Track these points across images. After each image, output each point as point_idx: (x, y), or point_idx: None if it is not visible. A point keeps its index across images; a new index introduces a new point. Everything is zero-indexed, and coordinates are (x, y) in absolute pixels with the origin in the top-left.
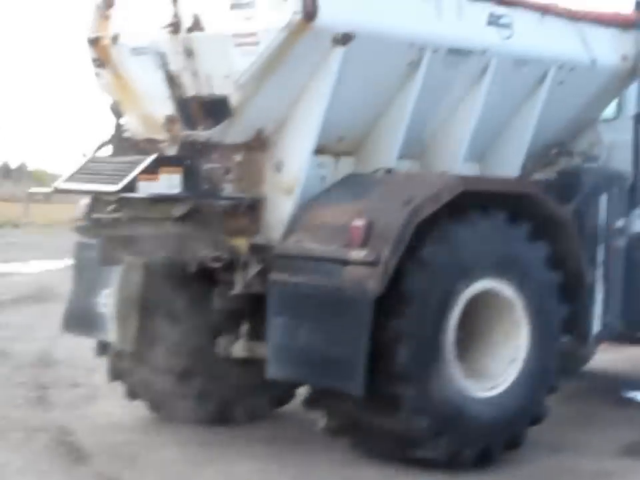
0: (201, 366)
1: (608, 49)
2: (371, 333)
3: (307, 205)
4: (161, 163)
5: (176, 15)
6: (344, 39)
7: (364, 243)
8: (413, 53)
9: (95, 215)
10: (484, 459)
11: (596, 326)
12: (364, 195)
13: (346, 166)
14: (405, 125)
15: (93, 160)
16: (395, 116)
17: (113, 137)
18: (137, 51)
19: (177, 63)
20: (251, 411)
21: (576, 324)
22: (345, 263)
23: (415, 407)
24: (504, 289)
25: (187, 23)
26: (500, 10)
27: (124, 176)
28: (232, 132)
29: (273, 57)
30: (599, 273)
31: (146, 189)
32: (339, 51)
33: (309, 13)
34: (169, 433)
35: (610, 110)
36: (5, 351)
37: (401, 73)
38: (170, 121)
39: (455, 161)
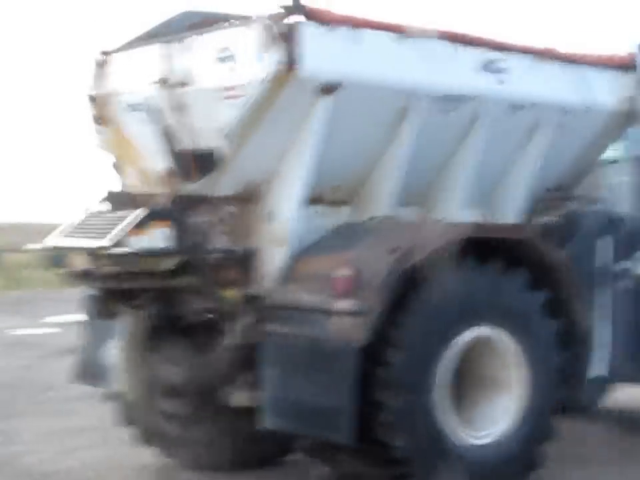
0: (208, 413)
1: (606, 91)
2: (360, 382)
3: (299, 255)
4: (151, 218)
5: (168, 70)
6: (329, 88)
7: (348, 293)
8: (401, 99)
9: (86, 268)
10: None
11: (600, 370)
12: (352, 243)
13: (344, 215)
14: (398, 171)
15: (88, 215)
16: (388, 163)
17: (111, 192)
18: (133, 107)
19: (170, 118)
20: (262, 457)
21: (571, 370)
22: (331, 313)
23: (406, 457)
24: (500, 336)
25: (178, 77)
26: (494, 55)
27: (114, 231)
28: (222, 184)
29: (258, 108)
30: (602, 316)
31: (136, 243)
32: (325, 100)
33: (292, 63)
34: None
35: (616, 152)
36: None
37: (390, 120)
38: (167, 175)
39: (455, 206)
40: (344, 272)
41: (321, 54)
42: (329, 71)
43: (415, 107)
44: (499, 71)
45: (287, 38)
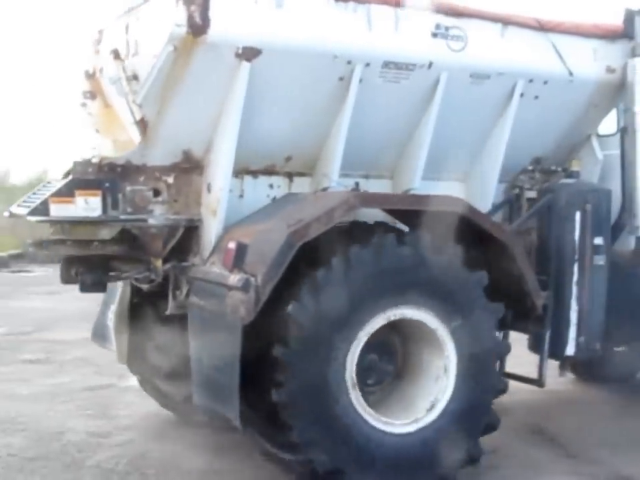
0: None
1: (589, 61)
2: (252, 360)
3: (229, 227)
4: (76, 186)
5: (124, 42)
6: (247, 53)
7: (235, 267)
8: (341, 67)
9: (38, 238)
10: None
11: (571, 349)
12: (271, 216)
13: (300, 186)
14: (343, 142)
15: (41, 185)
16: (336, 135)
17: (76, 162)
18: (112, 80)
19: (127, 88)
20: None
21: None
22: (229, 287)
23: (305, 441)
24: (426, 318)
25: (130, 48)
26: (449, 21)
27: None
28: (155, 153)
29: (168, 74)
30: (573, 293)
31: (60, 211)
32: (246, 67)
33: (196, 26)
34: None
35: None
36: None
37: (333, 88)
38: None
39: (414, 179)
40: (231, 245)
41: (235, 18)
42: (246, 35)
43: (357, 76)
44: (453, 38)
45: (193, 1)
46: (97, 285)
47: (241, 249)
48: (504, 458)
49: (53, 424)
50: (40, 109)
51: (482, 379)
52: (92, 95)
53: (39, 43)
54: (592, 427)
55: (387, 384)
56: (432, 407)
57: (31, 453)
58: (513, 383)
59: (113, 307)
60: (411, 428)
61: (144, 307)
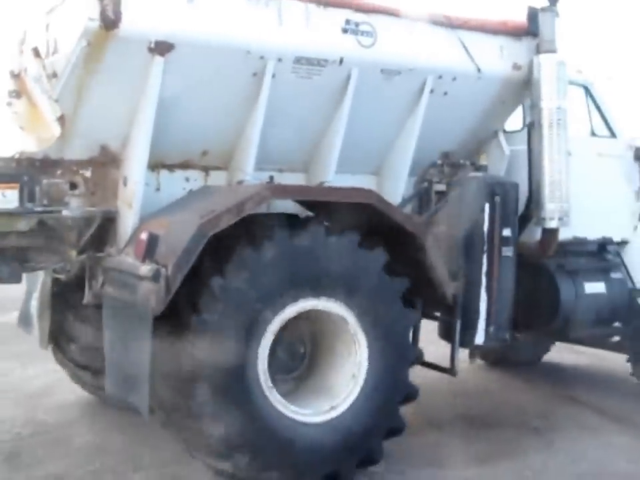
0: None
1: (496, 58)
2: (163, 351)
3: (144, 219)
4: None
5: (43, 40)
6: (160, 48)
7: (146, 258)
8: (254, 62)
9: None
10: None
11: (480, 337)
12: (185, 208)
13: (217, 180)
14: (258, 136)
15: None
16: (250, 129)
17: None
18: (35, 79)
19: (47, 85)
20: None
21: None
22: (140, 278)
23: (228, 444)
24: (332, 307)
25: (49, 46)
26: (358, 17)
27: None
28: (72, 148)
29: (81, 69)
30: (483, 283)
31: None
32: (158, 61)
33: (108, 20)
34: None
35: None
36: None
37: (247, 83)
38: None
39: (328, 172)
40: (142, 236)
41: (147, 13)
42: (159, 30)
43: (270, 71)
44: (364, 33)
45: None
46: (14, 276)
47: (153, 240)
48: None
49: None
50: None
51: (394, 354)
52: (17, 94)
53: None
54: None
55: (299, 375)
56: (350, 388)
57: None
58: None
59: (36, 295)
60: (323, 418)
61: (64, 296)
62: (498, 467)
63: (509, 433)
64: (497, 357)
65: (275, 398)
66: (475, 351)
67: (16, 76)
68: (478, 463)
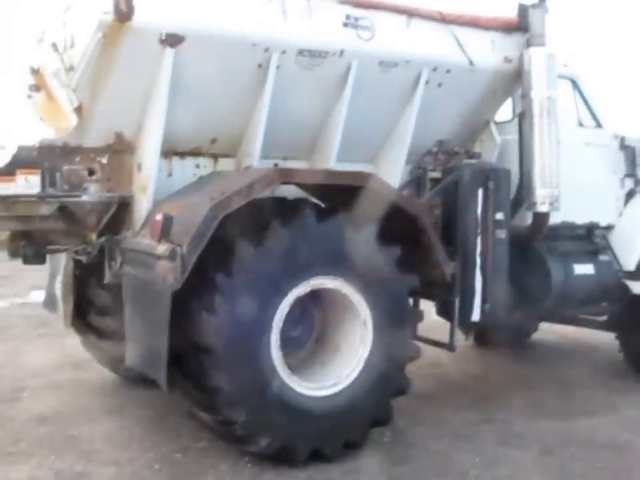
0: None
1: (488, 52)
2: (178, 326)
3: (158, 202)
4: (18, 166)
5: (61, 35)
6: (171, 40)
7: (162, 237)
8: (259, 54)
9: None
10: (317, 457)
11: (476, 315)
12: (197, 191)
13: (225, 167)
14: (263, 125)
15: None
16: (256, 119)
17: (20, 147)
18: (53, 73)
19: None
20: None
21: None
22: (157, 257)
23: (232, 403)
24: (341, 286)
25: (66, 41)
26: (358, 12)
27: None
28: (89, 136)
29: (97, 60)
30: (477, 263)
31: (2, 190)
32: (169, 52)
33: (122, 13)
34: None
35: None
36: None
37: (252, 74)
38: None
39: (329, 160)
40: (157, 217)
41: (160, 5)
42: (170, 23)
43: (275, 63)
44: (363, 28)
45: None
46: (38, 257)
47: (167, 221)
48: None
49: None
50: None
51: (395, 344)
52: (37, 88)
53: None
54: None
55: (308, 348)
56: (352, 368)
57: None
58: None
59: (59, 277)
60: (329, 391)
61: (86, 277)
62: None
63: None
64: (485, 338)
65: (285, 372)
66: (470, 328)
67: (35, 71)
68: None
